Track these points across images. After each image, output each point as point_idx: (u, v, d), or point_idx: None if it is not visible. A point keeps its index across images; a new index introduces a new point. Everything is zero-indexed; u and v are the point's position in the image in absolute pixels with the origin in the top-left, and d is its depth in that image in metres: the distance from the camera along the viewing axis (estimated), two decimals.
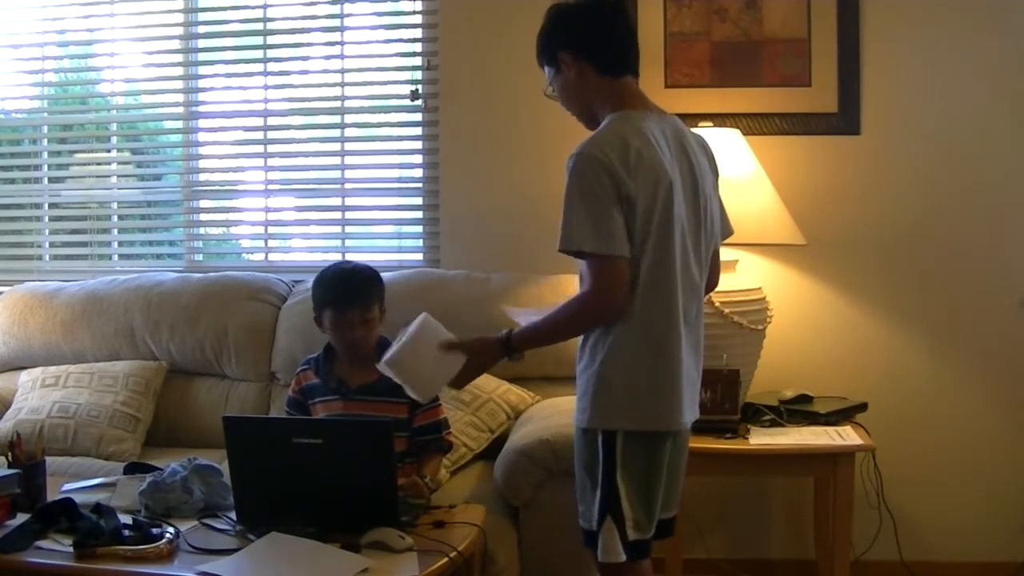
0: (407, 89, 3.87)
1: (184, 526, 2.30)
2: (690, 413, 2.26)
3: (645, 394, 2.18)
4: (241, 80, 4.06)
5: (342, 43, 3.95)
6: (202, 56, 4.13)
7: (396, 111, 3.95)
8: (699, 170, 2.29)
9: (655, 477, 2.21)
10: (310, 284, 2.89)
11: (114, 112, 4.27)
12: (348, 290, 2.73)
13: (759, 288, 3.28)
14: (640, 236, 2.14)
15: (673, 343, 2.19)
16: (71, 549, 2.17)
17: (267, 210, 4.11)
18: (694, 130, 2.44)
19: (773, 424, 3.12)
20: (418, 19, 3.89)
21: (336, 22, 3.95)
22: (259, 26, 4.01)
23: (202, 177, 4.18)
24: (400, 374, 2.28)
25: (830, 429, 3.07)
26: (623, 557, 2.19)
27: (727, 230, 2.47)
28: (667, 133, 2.25)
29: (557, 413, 3.01)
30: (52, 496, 2.45)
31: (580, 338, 2.27)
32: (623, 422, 2.18)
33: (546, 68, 2.33)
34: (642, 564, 2.24)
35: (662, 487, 2.23)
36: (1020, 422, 3.53)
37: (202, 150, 4.23)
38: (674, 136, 2.27)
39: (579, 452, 2.25)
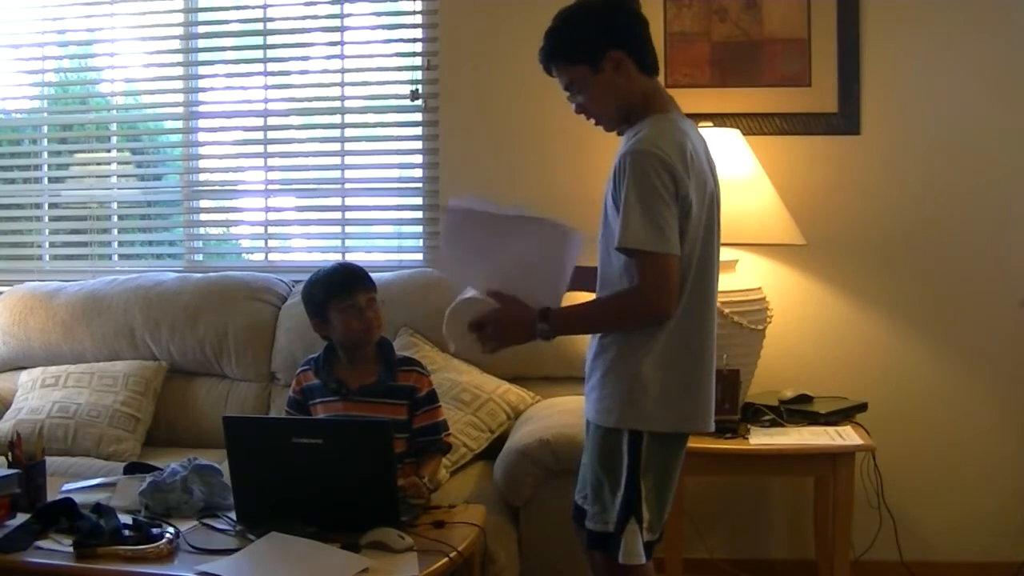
0: (407, 89, 3.87)
1: (184, 526, 2.30)
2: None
3: (681, 396, 2.18)
4: (241, 80, 4.07)
5: (342, 43, 3.95)
6: (202, 56, 4.13)
7: (396, 111, 3.95)
8: (717, 180, 2.30)
9: (672, 478, 2.22)
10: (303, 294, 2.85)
11: (114, 112, 4.28)
12: (350, 275, 2.74)
13: (759, 288, 3.28)
14: (691, 238, 2.15)
15: (708, 346, 2.21)
16: (71, 549, 2.17)
17: (267, 210, 4.11)
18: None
19: (773, 424, 3.12)
20: (418, 19, 3.89)
21: (336, 22, 3.94)
22: (259, 26, 4.01)
23: (202, 177, 4.18)
24: (446, 324, 2.28)
25: (830, 429, 3.08)
26: (644, 559, 2.18)
27: None
28: (699, 138, 2.27)
29: (557, 413, 3.01)
30: (52, 496, 2.46)
31: (598, 337, 2.25)
32: (657, 424, 2.17)
33: (569, 69, 2.23)
34: (649, 565, 2.24)
35: (674, 488, 2.24)
36: (1020, 422, 3.53)
37: (202, 150, 4.23)
38: (702, 142, 2.29)
39: (598, 452, 2.22)
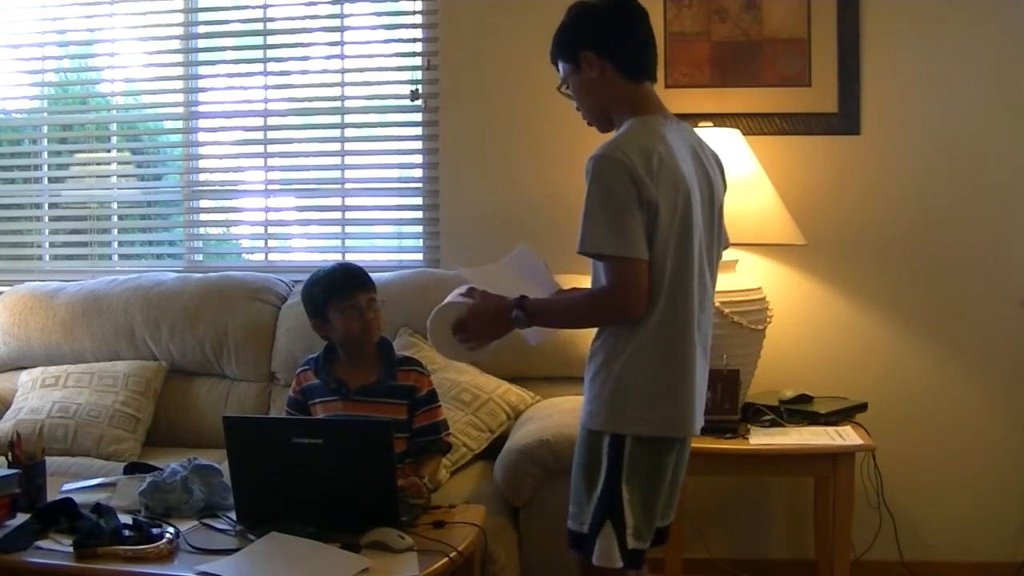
0: (407, 89, 3.87)
1: (184, 526, 2.30)
2: (699, 420, 2.25)
3: (660, 400, 2.17)
4: (241, 80, 4.07)
5: (342, 43, 3.95)
6: (202, 56, 4.13)
7: (396, 111, 3.95)
8: (714, 180, 2.29)
9: (658, 485, 2.21)
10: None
11: (114, 112, 4.28)
12: (350, 275, 2.74)
13: (759, 288, 3.28)
14: (661, 242, 2.13)
15: (688, 350, 2.19)
16: (71, 549, 2.17)
17: (267, 210, 4.11)
18: (698, 131, 2.42)
19: (773, 424, 3.12)
20: (418, 19, 3.89)
21: (336, 22, 3.95)
22: (259, 26, 4.01)
23: (202, 177, 4.18)
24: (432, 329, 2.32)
25: (830, 429, 3.08)
26: (620, 564, 2.17)
27: (726, 242, 2.46)
28: (684, 141, 2.25)
29: (557, 413, 3.01)
30: (52, 496, 2.46)
31: (591, 340, 2.25)
32: (637, 427, 2.16)
33: (561, 65, 2.29)
34: (634, 573, 2.23)
35: (663, 495, 2.23)
36: (1020, 422, 3.53)
37: (202, 150, 4.23)
38: (690, 145, 2.27)
39: (580, 452, 2.23)
